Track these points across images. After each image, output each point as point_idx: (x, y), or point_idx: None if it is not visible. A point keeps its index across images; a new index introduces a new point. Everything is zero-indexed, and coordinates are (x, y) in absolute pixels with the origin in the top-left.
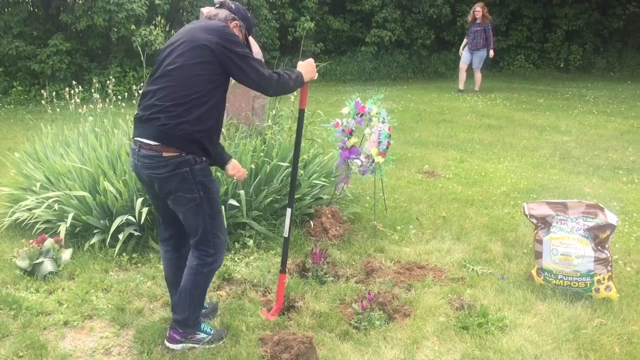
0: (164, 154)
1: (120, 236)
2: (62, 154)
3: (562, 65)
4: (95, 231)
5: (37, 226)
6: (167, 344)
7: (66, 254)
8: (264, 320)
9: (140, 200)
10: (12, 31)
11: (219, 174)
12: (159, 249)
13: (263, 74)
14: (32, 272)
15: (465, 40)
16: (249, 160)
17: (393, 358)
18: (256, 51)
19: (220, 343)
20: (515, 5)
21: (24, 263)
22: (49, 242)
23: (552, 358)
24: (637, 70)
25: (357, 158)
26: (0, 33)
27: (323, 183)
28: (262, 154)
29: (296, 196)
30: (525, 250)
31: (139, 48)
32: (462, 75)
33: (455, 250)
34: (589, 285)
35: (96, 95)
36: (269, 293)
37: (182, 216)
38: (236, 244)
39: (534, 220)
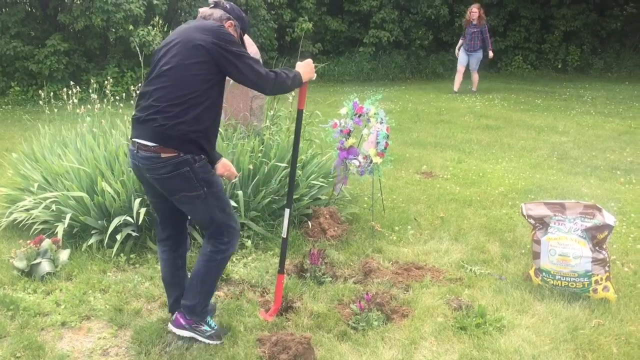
0: (162, 155)
1: (118, 237)
2: (59, 154)
3: (559, 66)
4: (92, 232)
5: (35, 227)
6: (171, 326)
7: (64, 255)
8: (262, 321)
9: (138, 200)
10: (9, 31)
11: None
12: (157, 249)
13: (259, 72)
14: (29, 272)
15: (460, 41)
16: (247, 160)
17: (391, 358)
18: (254, 51)
19: (218, 342)
20: (513, 6)
21: (21, 264)
22: (46, 243)
23: (549, 358)
24: (635, 71)
25: (355, 158)
26: None
27: (321, 184)
28: (260, 155)
29: (294, 197)
30: (523, 251)
31: (137, 48)
32: (459, 77)
33: (453, 251)
34: (586, 285)
35: (94, 96)
36: (267, 294)
37: (192, 214)
38: None
39: (532, 221)
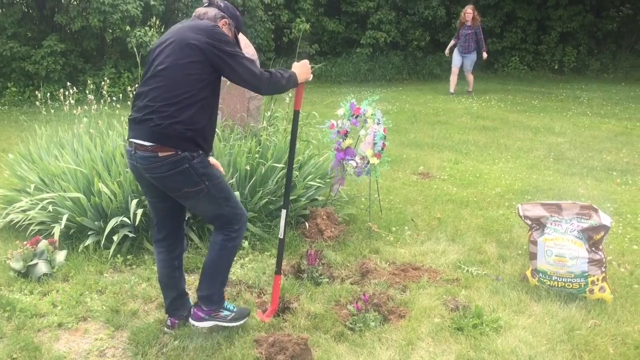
0: (160, 154)
1: (115, 238)
2: (56, 155)
3: (556, 67)
4: (89, 233)
5: (31, 228)
6: (192, 322)
7: (60, 256)
8: (259, 322)
9: (135, 201)
10: (6, 32)
11: None
12: (154, 250)
13: (254, 71)
14: (26, 273)
15: (452, 42)
16: (244, 161)
17: (388, 359)
18: (251, 52)
19: (243, 322)
20: (509, 7)
21: (18, 265)
22: (43, 244)
23: (546, 359)
24: (631, 72)
25: (352, 159)
26: None
27: (318, 184)
28: (257, 156)
29: (291, 197)
30: (519, 252)
31: (134, 49)
32: (454, 78)
33: (450, 252)
34: (583, 286)
35: (91, 97)
36: (264, 294)
37: (196, 208)
38: None
39: (529, 222)
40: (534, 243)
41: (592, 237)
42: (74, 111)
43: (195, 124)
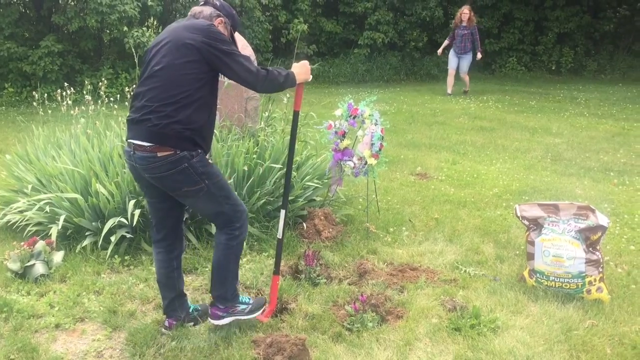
0: (159, 154)
1: (112, 238)
2: (53, 156)
3: (553, 68)
4: (87, 233)
5: (29, 228)
6: (212, 321)
7: (58, 257)
8: (257, 322)
9: (132, 202)
10: (3, 32)
11: None
12: (152, 250)
13: (250, 69)
14: (23, 274)
15: (446, 42)
16: (242, 162)
17: None
18: (249, 53)
19: (260, 312)
20: (507, 8)
21: (15, 265)
22: (40, 245)
23: (543, 359)
24: (628, 73)
25: (350, 160)
26: None
27: (316, 185)
28: (254, 156)
29: (289, 198)
30: (517, 252)
31: (132, 50)
32: (451, 79)
33: (447, 252)
34: (580, 286)
35: (88, 97)
36: (262, 295)
37: (196, 207)
38: None
39: (526, 222)
40: (532, 243)
41: (590, 237)
42: (72, 112)
43: (193, 123)
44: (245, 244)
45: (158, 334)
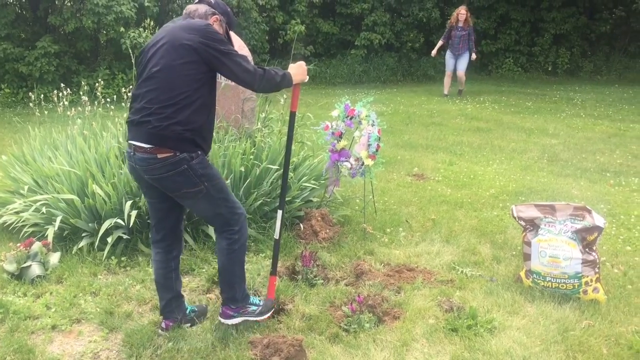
0: (159, 156)
1: (109, 239)
2: (50, 156)
3: (550, 69)
4: (83, 234)
5: (25, 229)
6: (222, 320)
7: (54, 258)
8: (254, 323)
9: (129, 203)
10: None
11: None
12: (151, 251)
13: (247, 68)
14: (19, 275)
15: (440, 43)
16: (239, 163)
17: None
18: (245, 53)
19: (269, 314)
20: (503, 9)
21: (11, 267)
22: (36, 246)
23: (540, 359)
24: (624, 74)
25: (347, 161)
26: None
27: (313, 186)
28: (251, 157)
29: (286, 199)
30: (513, 253)
31: (129, 50)
32: (448, 80)
33: (444, 253)
34: (576, 287)
35: (85, 98)
36: (259, 296)
37: (195, 208)
38: None
39: (523, 223)
40: (528, 244)
41: (586, 238)
42: (68, 113)
43: (193, 124)
44: None
45: (155, 335)
